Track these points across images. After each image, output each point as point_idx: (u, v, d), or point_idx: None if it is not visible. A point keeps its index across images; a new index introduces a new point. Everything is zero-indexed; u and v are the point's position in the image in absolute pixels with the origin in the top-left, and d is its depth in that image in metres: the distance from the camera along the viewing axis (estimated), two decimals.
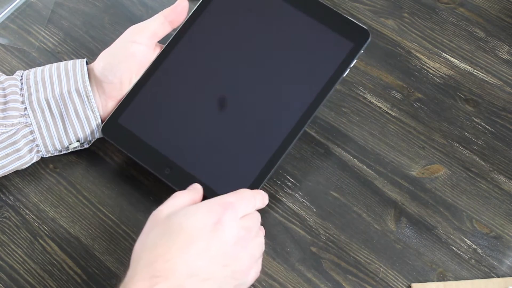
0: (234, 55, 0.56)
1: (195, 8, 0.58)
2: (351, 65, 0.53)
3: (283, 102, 0.54)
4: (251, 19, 0.57)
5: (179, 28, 0.57)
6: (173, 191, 0.55)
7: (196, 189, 0.51)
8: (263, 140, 0.53)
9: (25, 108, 0.54)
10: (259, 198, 0.50)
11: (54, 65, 0.56)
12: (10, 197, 0.57)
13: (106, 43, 0.59)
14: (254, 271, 0.48)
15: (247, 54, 0.56)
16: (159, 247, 0.44)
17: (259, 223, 0.49)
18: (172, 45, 0.57)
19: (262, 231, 0.50)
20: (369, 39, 0.53)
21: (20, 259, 0.54)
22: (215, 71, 0.56)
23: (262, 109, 0.54)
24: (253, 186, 0.52)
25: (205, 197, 0.50)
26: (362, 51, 0.53)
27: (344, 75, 0.53)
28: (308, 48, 0.55)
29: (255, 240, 0.48)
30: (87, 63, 0.56)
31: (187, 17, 0.58)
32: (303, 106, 0.53)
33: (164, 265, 0.42)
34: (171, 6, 0.57)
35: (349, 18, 0.54)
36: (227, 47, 0.56)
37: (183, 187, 0.52)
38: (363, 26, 0.54)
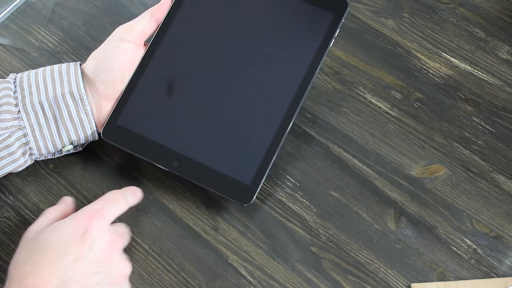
0: (219, 41, 0.57)
1: (173, 0, 0.58)
2: (335, 35, 0.55)
3: (277, 81, 0.55)
4: (230, 3, 0.58)
5: (162, 21, 0.58)
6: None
7: (66, 202, 0.53)
8: (264, 119, 0.54)
9: (19, 111, 0.54)
10: (130, 194, 0.52)
11: (48, 68, 0.56)
12: (10, 197, 0.57)
13: None
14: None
15: (231, 39, 0.57)
16: (27, 264, 0.45)
17: (127, 231, 0.51)
18: (159, 38, 0.57)
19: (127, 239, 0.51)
20: (348, 8, 0.56)
21: None
22: (203, 59, 0.57)
23: (257, 90, 0.55)
24: (264, 162, 0.53)
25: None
26: (343, 20, 0.55)
27: (330, 45, 0.55)
28: (291, 24, 0.56)
29: (124, 242, 0.50)
30: (79, 65, 0.56)
31: (168, 10, 0.58)
32: (296, 81, 0.55)
33: (33, 280, 0.43)
34: (158, 4, 0.58)
35: None
36: (211, 34, 0.57)
37: (194, 176, 0.53)
38: None
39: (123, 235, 0.50)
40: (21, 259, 0.46)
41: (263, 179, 0.53)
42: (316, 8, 0.56)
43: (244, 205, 0.53)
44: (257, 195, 0.53)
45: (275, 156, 0.53)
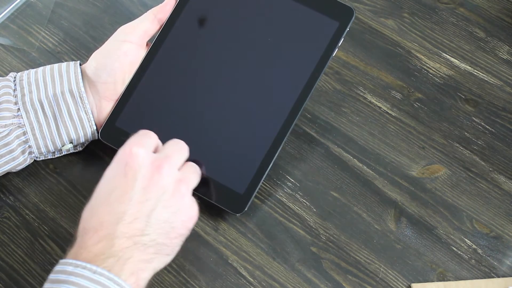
0: (221, 45, 0.57)
1: (177, 1, 0.58)
2: (339, 44, 0.55)
3: (278, 87, 0.55)
4: (234, 7, 0.57)
5: (164, 23, 0.58)
6: None
7: None
8: (261, 129, 0.54)
9: (18, 109, 0.54)
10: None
11: (48, 66, 0.56)
12: (10, 197, 0.57)
13: None
14: (186, 190, 0.48)
15: (235, 43, 0.56)
16: (86, 211, 0.47)
17: (178, 149, 0.50)
18: (161, 40, 0.57)
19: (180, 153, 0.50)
20: (354, 16, 0.55)
21: (20, 259, 0.54)
22: (204, 63, 0.56)
23: (259, 96, 0.55)
24: (259, 171, 0.53)
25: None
26: (348, 29, 0.55)
27: (333, 54, 0.54)
28: (296, 30, 0.56)
29: (172, 162, 0.48)
30: (80, 65, 0.56)
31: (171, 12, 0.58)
32: (298, 88, 0.54)
33: (91, 221, 0.45)
34: (160, 4, 0.57)
35: None
36: (213, 38, 0.57)
37: None
38: (346, 4, 0.55)
39: (167, 156, 0.48)
40: (85, 210, 0.47)
41: (257, 189, 0.53)
42: (321, 15, 0.55)
43: (237, 214, 0.53)
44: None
45: (269, 167, 0.53)
